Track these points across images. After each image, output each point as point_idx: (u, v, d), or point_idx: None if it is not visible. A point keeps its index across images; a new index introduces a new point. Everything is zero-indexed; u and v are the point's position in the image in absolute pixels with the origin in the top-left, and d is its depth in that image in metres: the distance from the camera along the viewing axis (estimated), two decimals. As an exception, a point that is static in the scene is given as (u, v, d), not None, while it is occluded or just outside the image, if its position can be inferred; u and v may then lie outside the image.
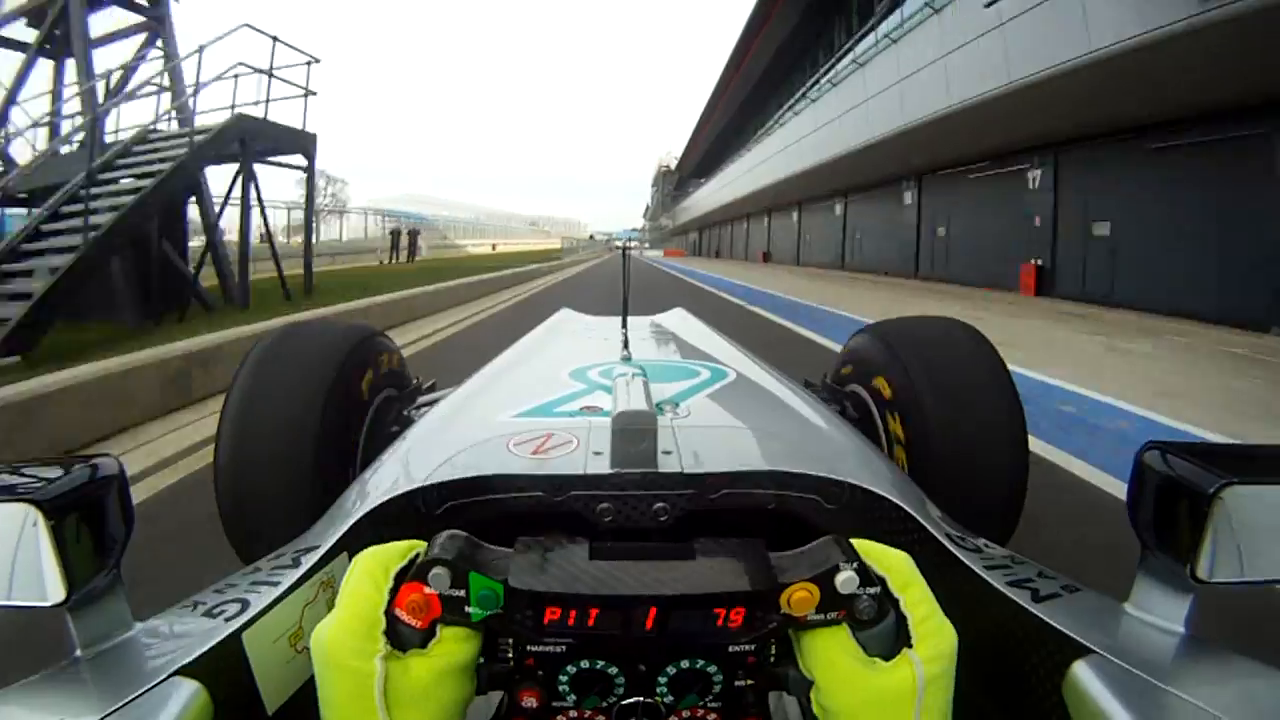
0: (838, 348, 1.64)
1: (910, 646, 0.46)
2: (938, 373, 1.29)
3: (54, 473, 0.52)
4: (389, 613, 0.45)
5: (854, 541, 0.49)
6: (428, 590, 0.46)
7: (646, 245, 67.94)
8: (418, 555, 0.48)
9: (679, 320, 2.04)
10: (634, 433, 0.67)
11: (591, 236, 55.80)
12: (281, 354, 1.34)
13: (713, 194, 29.51)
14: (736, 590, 0.47)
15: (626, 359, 1.19)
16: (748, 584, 0.47)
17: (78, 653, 0.52)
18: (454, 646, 0.46)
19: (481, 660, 0.48)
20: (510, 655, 0.49)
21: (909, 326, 1.45)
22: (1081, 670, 0.53)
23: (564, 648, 0.48)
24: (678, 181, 51.35)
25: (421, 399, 1.57)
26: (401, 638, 0.45)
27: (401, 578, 0.47)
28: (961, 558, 0.64)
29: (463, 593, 0.47)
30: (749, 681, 0.50)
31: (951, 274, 12.71)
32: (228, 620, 0.56)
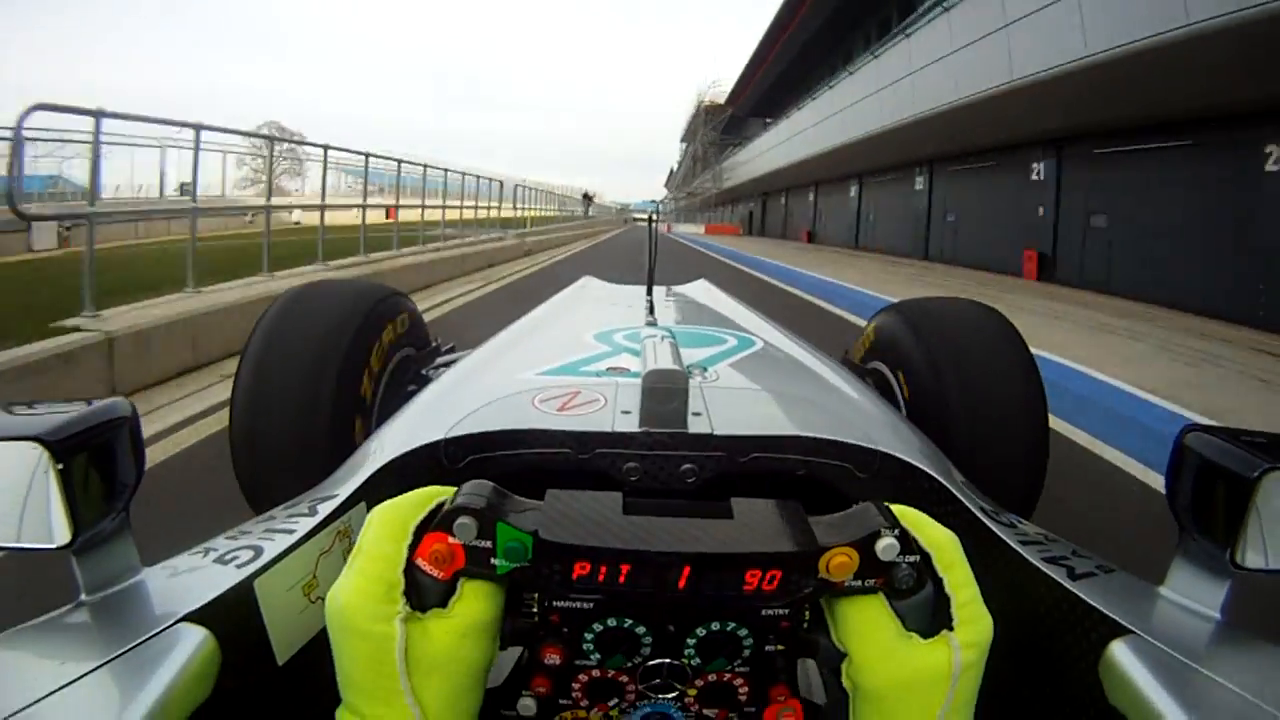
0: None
1: (950, 629, 0.44)
2: (960, 352, 1.28)
3: (64, 414, 0.50)
4: (409, 567, 0.43)
5: (902, 511, 0.47)
6: (452, 540, 0.44)
7: (669, 216, 59.10)
8: (441, 505, 0.45)
9: (703, 290, 2.03)
10: (664, 391, 0.64)
11: (619, 210, 51.83)
12: (298, 311, 1.32)
13: (783, 145, 22.42)
14: (775, 552, 0.44)
15: (651, 324, 1.16)
16: (787, 545, 0.45)
17: (83, 596, 0.50)
18: (475, 605, 0.44)
19: (504, 617, 0.44)
20: (535, 610, 0.47)
21: (932, 306, 1.45)
22: (1119, 650, 0.50)
23: (591, 604, 0.46)
24: (727, 123, 38.78)
25: (440, 359, 1.56)
26: (422, 590, 0.43)
27: (422, 531, 0.45)
28: (998, 532, 0.61)
29: (489, 544, 0.44)
30: (780, 647, 0.48)
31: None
32: (239, 567, 0.53)
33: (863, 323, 1.65)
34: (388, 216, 10.33)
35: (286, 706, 0.56)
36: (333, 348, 1.28)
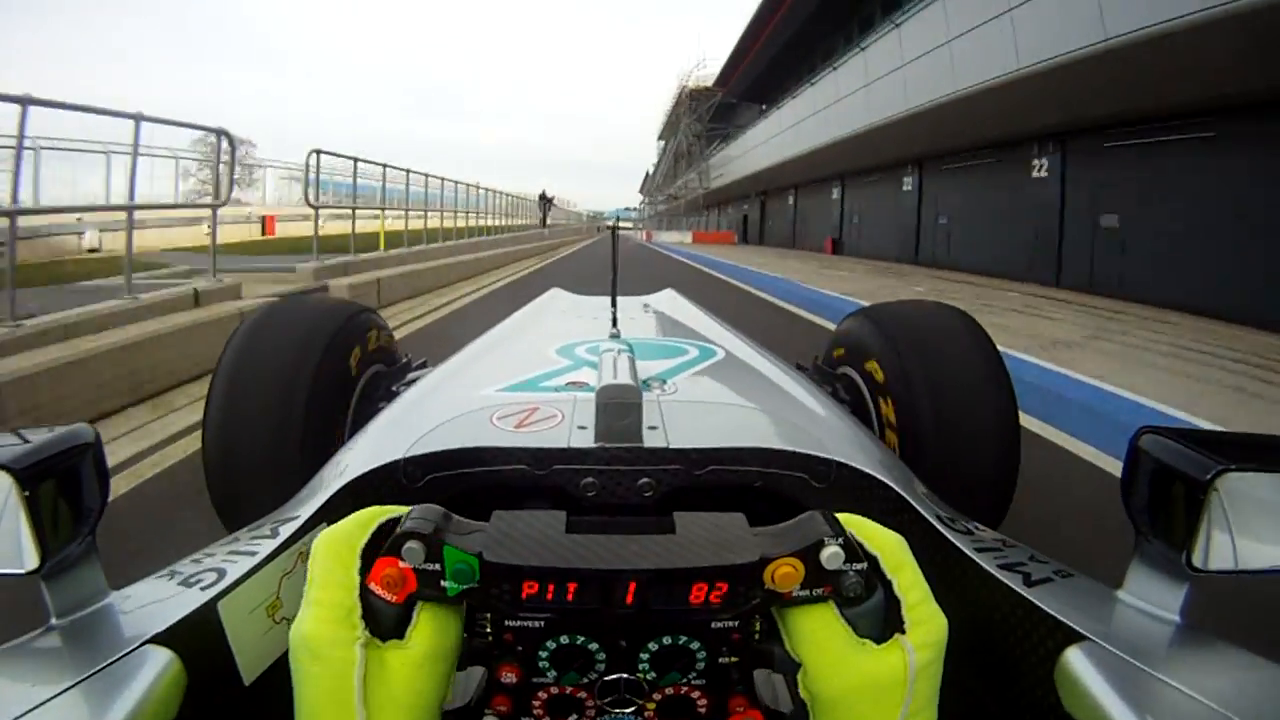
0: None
1: (903, 632, 0.47)
2: (930, 357, 1.34)
3: (29, 440, 0.53)
4: (363, 592, 0.47)
5: (847, 518, 0.50)
6: (402, 564, 0.47)
7: (648, 223, 54.50)
8: (384, 526, 0.49)
9: (669, 300, 2.10)
10: (618, 406, 0.68)
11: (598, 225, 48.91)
12: (269, 329, 1.36)
13: (789, 132, 20.15)
14: (718, 565, 0.48)
15: (615, 336, 1.20)
16: (730, 558, 0.48)
17: (53, 620, 0.54)
18: (433, 633, 0.47)
19: (464, 636, 0.48)
20: (489, 630, 0.51)
21: (901, 310, 1.52)
22: (1074, 656, 0.54)
23: (543, 623, 0.50)
24: (715, 111, 35.50)
25: (411, 375, 1.59)
26: (377, 615, 0.47)
27: (370, 554, 0.48)
28: (952, 539, 0.65)
29: (438, 567, 0.48)
30: (733, 659, 0.52)
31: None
32: (203, 589, 0.57)
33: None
34: (265, 232, 8.22)
35: None
36: (304, 365, 1.31)
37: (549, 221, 28.61)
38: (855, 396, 1.49)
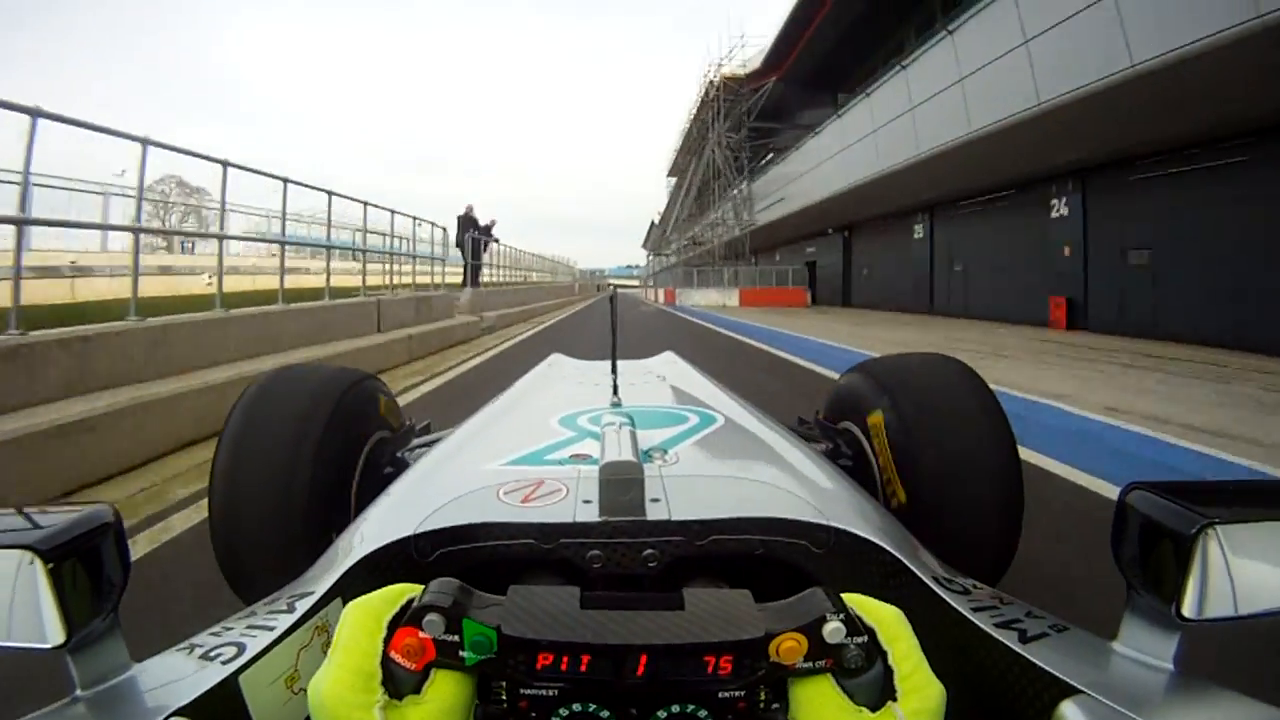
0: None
1: (894, 700, 0.55)
2: (930, 409, 1.46)
3: (52, 518, 0.61)
4: (385, 659, 0.54)
5: (848, 596, 0.59)
6: (422, 635, 0.54)
7: (647, 284, 50.48)
8: (410, 601, 0.58)
9: (669, 364, 2.30)
10: (621, 482, 0.76)
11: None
12: (274, 397, 1.49)
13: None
14: (726, 640, 0.55)
15: (616, 405, 1.32)
16: (737, 634, 0.55)
17: (77, 692, 0.61)
18: (448, 691, 0.55)
19: (476, 703, 0.58)
20: (504, 698, 0.58)
21: (899, 363, 1.68)
22: (1069, 711, 0.59)
23: (557, 691, 0.57)
24: (759, 109, 26.56)
25: (415, 441, 1.73)
26: (396, 681, 0.54)
27: (395, 624, 0.56)
28: (949, 600, 0.72)
29: (456, 638, 0.55)
30: None
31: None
32: (225, 663, 0.64)
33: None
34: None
35: None
36: (309, 433, 1.42)
37: (485, 278, 17.46)
38: (856, 451, 1.63)
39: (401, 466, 1.55)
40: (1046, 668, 0.62)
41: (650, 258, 71.04)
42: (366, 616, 0.56)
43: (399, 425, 1.80)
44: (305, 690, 0.59)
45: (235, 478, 1.37)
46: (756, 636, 0.54)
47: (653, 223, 63.89)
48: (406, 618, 0.55)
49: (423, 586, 0.58)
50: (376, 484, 1.36)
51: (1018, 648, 0.65)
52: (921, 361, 1.64)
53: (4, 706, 1.50)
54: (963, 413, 1.44)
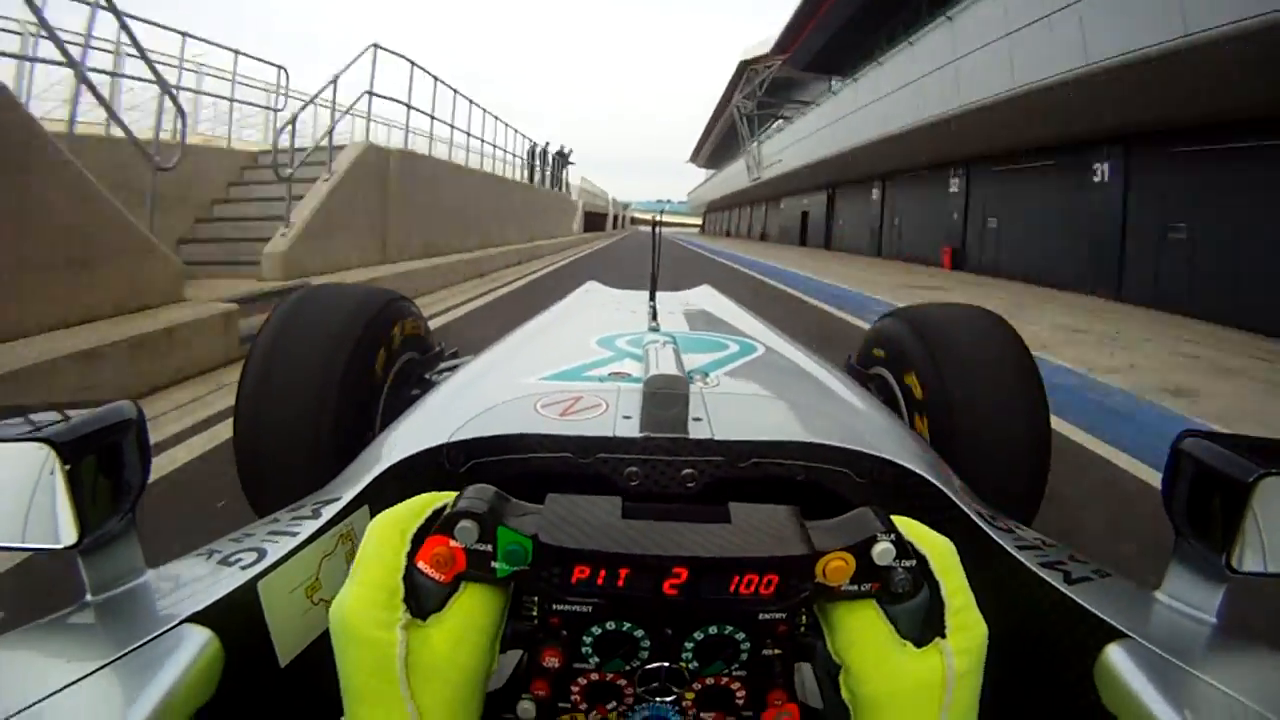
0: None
1: (943, 636, 0.51)
2: (963, 358, 1.45)
3: (72, 415, 0.58)
4: (408, 574, 0.50)
5: (898, 519, 0.55)
6: (453, 543, 0.50)
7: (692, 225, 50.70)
8: (438, 510, 0.54)
9: (707, 296, 2.27)
10: (665, 396, 0.73)
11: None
12: (304, 314, 1.48)
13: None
14: (772, 556, 0.51)
15: (654, 329, 1.29)
16: (784, 550, 0.51)
17: (88, 596, 0.58)
18: (474, 610, 0.51)
19: (504, 621, 0.54)
20: (534, 614, 0.54)
21: (935, 312, 1.65)
22: (1114, 654, 0.57)
23: (590, 608, 0.53)
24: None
25: (443, 364, 1.70)
26: (422, 594, 0.50)
27: (421, 536, 0.52)
28: (995, 537, 0.69)
29: (489, 547, 0.51)
30: (777, 651, 0.55)
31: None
32: (243, 569, 0.61)
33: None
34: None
35: (290, 708, 0.63)
36: (339, 350, 1.41)
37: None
38: (887, 396, 1.59)
39: (428, 388, 1.43)
40: (1093, 610, 0.59)
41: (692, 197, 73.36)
42: (392, 528, 0.51)
43: (428, 348, 1.75)
44: (326, 601, 0.56)
45: (262, 395, 1.34)
46: (803, 554, 0.50)
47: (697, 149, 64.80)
48: (439, 524, 0.50)
49: (453, 495, 0.53)
50: (403, 405, 1.27)
51: (1064, 588, 0.62)
52: (957, 312, 1.60)
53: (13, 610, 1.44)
54: (996, 366, 1.42)
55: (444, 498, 0.54)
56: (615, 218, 54.37)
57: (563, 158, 22.66)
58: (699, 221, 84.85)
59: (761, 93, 30.80)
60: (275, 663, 0.61)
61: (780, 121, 31.31)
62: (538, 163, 20.69)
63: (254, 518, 1.05)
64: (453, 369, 1.68)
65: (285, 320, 1.46)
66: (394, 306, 1.62)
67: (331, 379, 1.38)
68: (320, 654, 0.57)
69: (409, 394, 1.58)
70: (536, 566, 0.51)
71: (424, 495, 0.55)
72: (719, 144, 53.73)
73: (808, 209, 29.72)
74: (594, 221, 38.96)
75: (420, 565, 0.50)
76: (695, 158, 68.45)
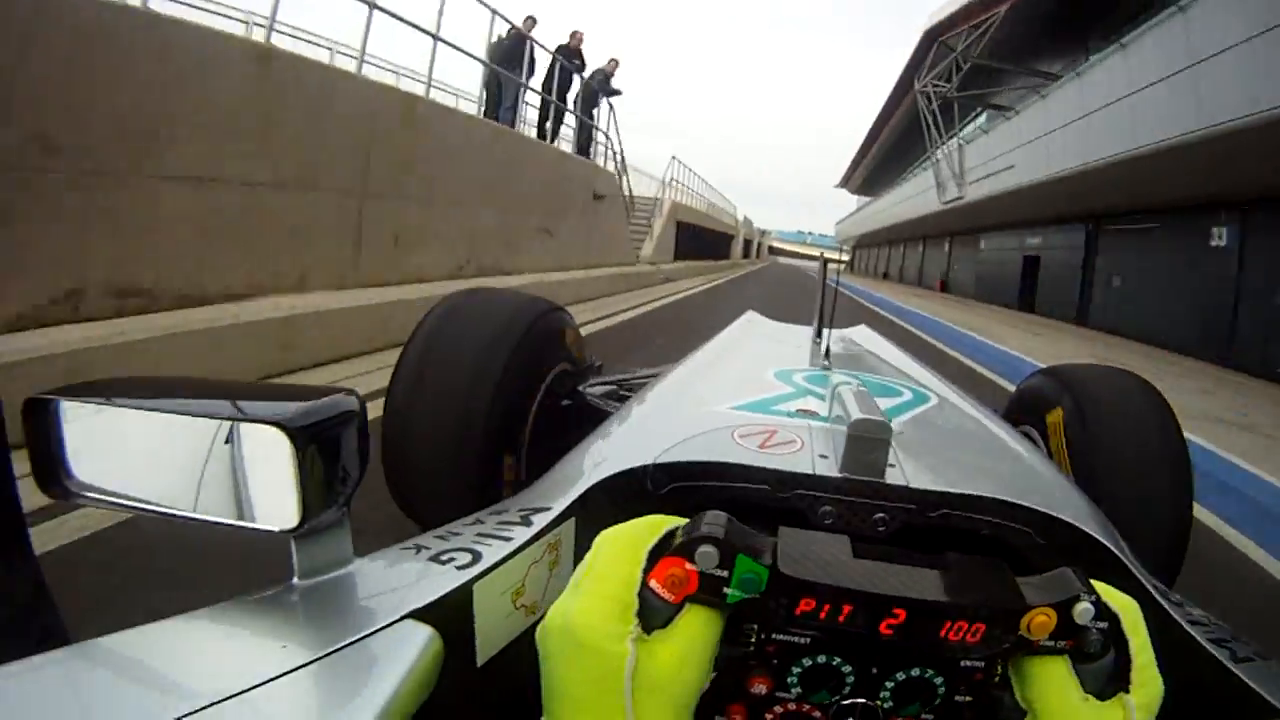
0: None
1: (1126, 692, 0.58)
2: (1110, 423, 1.58)
3: (301, 402, 0.63)
4: (643, 589, 0.56)
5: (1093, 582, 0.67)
6: (689, 566, 0.56)
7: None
8: (671, 532, 0.61)
9: (866, 338, 2.43)
10: (869, 441, 0.79)
11: None
12: (463, 318, 1.62)
13: None
14: (986, 606, 0.58)
15: (827, 368, 1.44)
16: (997, 602, 0.58)
17: (294, 580, 0.64)
18: (697, 629, 0.57)
19: (720, 644, 0.62)
20: (752, 640, 0.61)
21: (1085, 373, 1.82)
22: None
23: (807, 639, 0.60)
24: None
25: (594, 379, 1.85)
26: (650, 612, 0.56)
27: (655, 554, 0.58)
28: (1169, 610, 0.75)
29: (725, 573, 0.56)
30: (968, 698, 0.63)
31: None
32: (460, 568, 0.69)
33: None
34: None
35: (486, 705, 0.73)
36: (496, 356, 1.53)
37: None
38: None
39: (580, 400, 1.72)
40: (1259, 690, 0.67)
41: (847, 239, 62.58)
42: (626, 545, 0.59)
43: (580, 361, 1.93)
44: (526, 606, 0.69)
45: (417, 391, 1.50)
46: (1015, 607, 0.58)
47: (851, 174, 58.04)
48: (676, 546, 0.58)
49: (679, 519, 0.62)
50: (555, 416, 1.54)
51: (1231, 665, 0.71)
52: (1105, 373, 1.82)
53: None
54: (1142, 433, 1.57)
55: (673, 521, 0.63)
56: (747, 244, 50.62)
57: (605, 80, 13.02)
58: (845, 258, 74.37)
59: (965, 69, 22.14)
60: (474, 662, 0.70)
61: (980, 122, 23.51)
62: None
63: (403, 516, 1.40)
64: (605, 382, 1.93)
65: (445, 320, 1.61)
66: (551, 316, 1.76)
67: (485, 385, 1.48)
68: (511, 656, 0.68)
69: (560, 405, 1.72)
70: (767, 595, 0.57)
71: (654, 517, 0.63)
72: (880, 163, 44.01)
73: (1037, 251, 21.17)
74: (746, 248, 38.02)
75: (653, 584, 0.56)
76: (847, 182, 58.88)
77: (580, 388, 1.82)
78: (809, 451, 0.84)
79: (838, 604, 0.56)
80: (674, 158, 20.45)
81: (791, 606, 0.56)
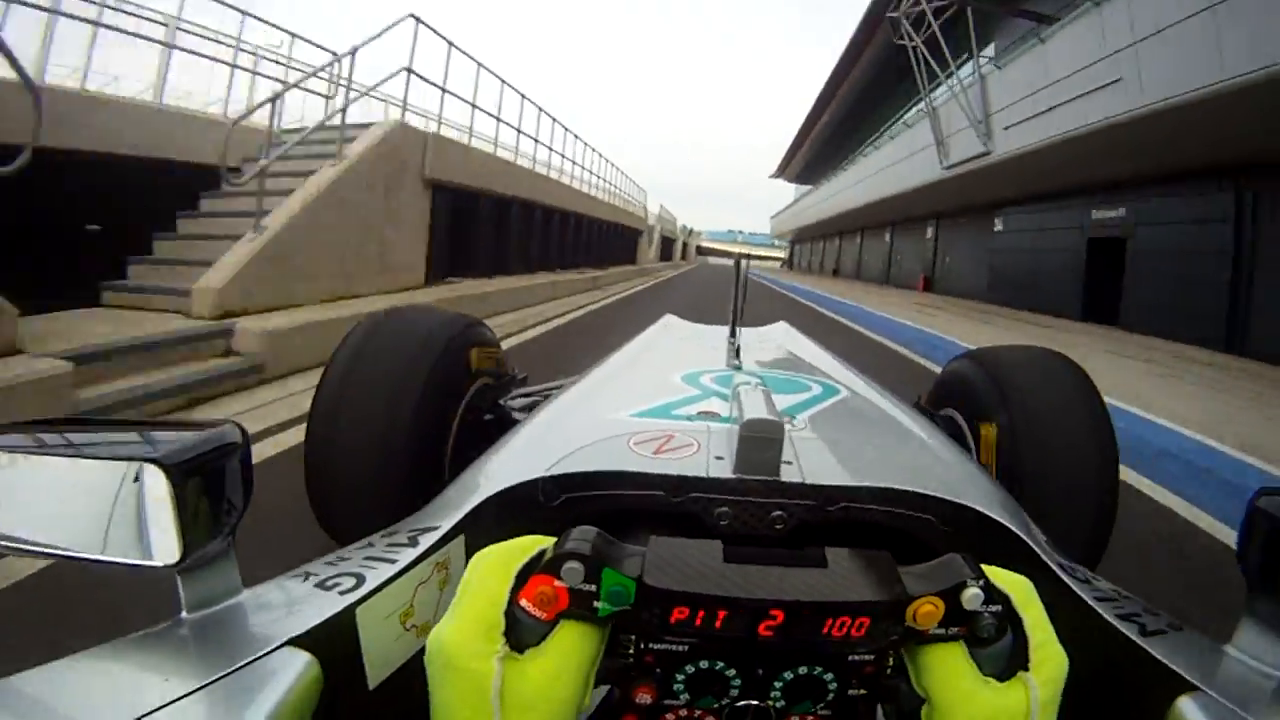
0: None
1: (1026, 669, 0.63)
2: (1032, 402, 1.60)
3: (179, 435, 0.66)
4: (510, 609, 0.61)
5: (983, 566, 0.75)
6: (558, 583, 0.59)
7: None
8: (543, 551, 0.65)
9: (784, 334, 2.48)
10: (761, 440, 0.80)
11: None
12: (383, 336, 1.66)
13: None
14: (866, 600, 0.60)
15: (737, 368, 1.45)
16: (878, 594, 0.60)
17: (184, 614, 0.66)
18: (573, 646, 0.60)
19: (600, 657, 0.67)
20: (631, 651, 0.64)
21: (1006, 355, 1.87)
22: (1185, 706, 0.64)
23: (686, 647, 0.62)
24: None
25: (516, 390, 1.88)
26: (522, 630, 0.60)
27: (525, 573, 0.63)
28: (1073, 587, 0.80)
29: (593, 588, 0.59)
30: (862, 691, 0.67)
31: None
32: (342, 594, 0.71)
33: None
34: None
35: None
36: (415, 373, 1.56)
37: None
38: (957, 439, 1.76)
39: (502, 414, 1.73)
40: (1166, 662, 0.70)
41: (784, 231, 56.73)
42: (497, 564, 0.63)
43: (502, 374, 1.98)
44: (417, 627, 0.70)
45: (337, 415, 1.52)
46: (897, 598, 0.61)
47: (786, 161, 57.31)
48: (543, 564, 0.61)
49: (553, 539, 0.66)
50: (478, 431, 1.50)
51: (1139, 640, 0.73)
52: (1028, 355, 1.85)
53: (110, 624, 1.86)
54: (1066, 410, 1.61)
55: (547, 541, 0.67)
56: (669, 243, 49.46)
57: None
58: (783, 255, 69.43)
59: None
60: (365, 686, 0.73)
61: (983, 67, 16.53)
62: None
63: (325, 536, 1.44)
64: (526, 394, 1.91)
65: (366, 339, 1.65)
66: (470, 331, 1.81)
67: (406, 404, 1.51)
68: (407, 678, 0.70)
69: (483, 420, 1.75)
70: (638, 607, 0.61)
71: (529, 537, 0.68)
72: (826, 142, 39.28)
73: (1120, 230, 13.69)
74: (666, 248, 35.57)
75: (523, 603, 0.60)
76: (784, 170, 53.50)
77: (502, 401, 1.83)
78: (705, 454, 0.87)
79: (712, 610, 0.58)
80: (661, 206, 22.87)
81: (665, 616, 0.59)
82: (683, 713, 0.62)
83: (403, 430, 1.41)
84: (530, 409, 1.80)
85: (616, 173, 24.45)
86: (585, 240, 18.80)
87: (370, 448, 1.40)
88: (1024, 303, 15.32)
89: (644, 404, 1.13)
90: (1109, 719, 0.72)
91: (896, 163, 20.65)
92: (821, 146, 39.53)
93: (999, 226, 17.11)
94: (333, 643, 0.64)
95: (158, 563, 0.60)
